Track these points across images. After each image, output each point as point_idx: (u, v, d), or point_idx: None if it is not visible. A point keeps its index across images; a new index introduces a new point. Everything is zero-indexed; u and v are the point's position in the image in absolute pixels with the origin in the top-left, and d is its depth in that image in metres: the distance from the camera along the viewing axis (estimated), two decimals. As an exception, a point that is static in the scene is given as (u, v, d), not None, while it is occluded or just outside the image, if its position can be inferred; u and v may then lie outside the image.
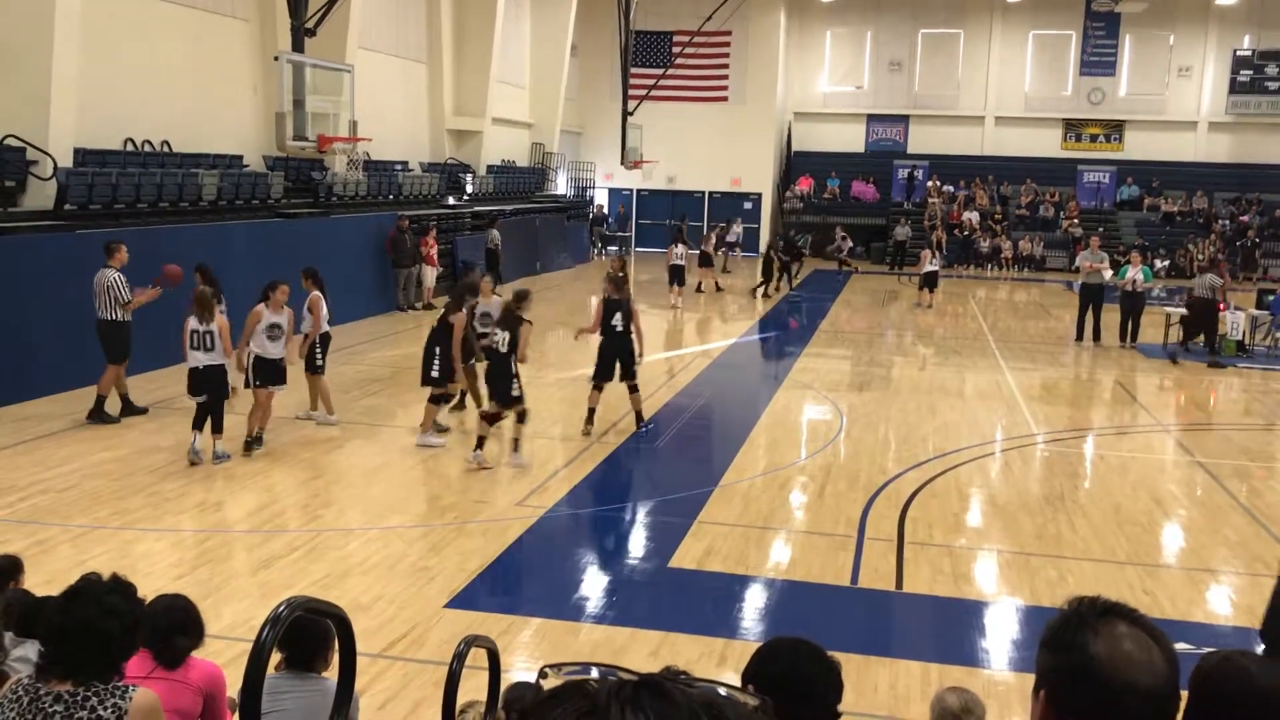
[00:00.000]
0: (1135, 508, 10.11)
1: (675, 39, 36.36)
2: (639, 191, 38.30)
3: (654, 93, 35.26)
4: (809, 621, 7.19)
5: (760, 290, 26.19)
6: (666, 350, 19.03)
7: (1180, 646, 2.26)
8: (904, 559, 8.42)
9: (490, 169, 29.54)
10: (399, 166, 24.90)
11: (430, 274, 22.08)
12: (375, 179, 22.48)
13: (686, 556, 8.35)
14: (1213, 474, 11.40)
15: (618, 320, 12.03)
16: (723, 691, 0.90)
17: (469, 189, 27.44)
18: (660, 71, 35.58)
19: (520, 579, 8.07)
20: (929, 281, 24.87)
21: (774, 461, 11.55)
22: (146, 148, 17.08)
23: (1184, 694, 1.80)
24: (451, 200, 26.04)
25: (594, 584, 7.87)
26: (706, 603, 7.51)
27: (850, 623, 7.31)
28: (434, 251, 22.09)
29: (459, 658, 3.38)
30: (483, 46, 28.17)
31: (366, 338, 18.18)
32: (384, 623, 6.89)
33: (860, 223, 35.87)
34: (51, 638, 2.97)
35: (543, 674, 0.98)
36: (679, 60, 36.16)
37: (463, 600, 7.35)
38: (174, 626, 3.79)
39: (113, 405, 11.92)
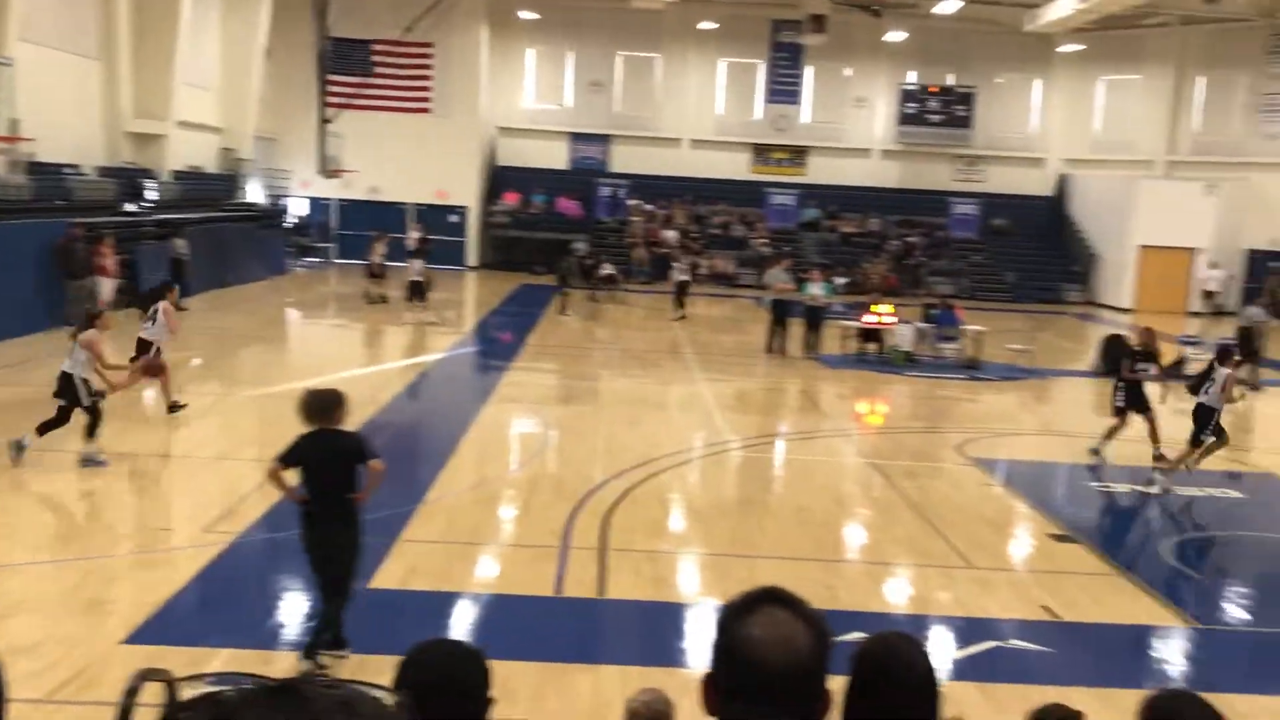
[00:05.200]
0: (818, 508, 10.79)
1: (375, 47, 35.61)
2: (340, 202, 37.20)
3: (354, 101, 34.42)
4: (512, 633, 7.19)
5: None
6: (370, 365, 18.57)
7: (857, 635, 2.45)
8: (606, 566, 8.59)
9: (176, 175, 27.79)
10: (69, 170, 22.96)
11: (107, 285, 20.44)
12: (41, 183, 20.61)
13: (389, 577, 8.14)
14: (885, 474, 12.34)
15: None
16: (362, 691, 0.87)
17: (151, 195, 25.69)
18: (360, 80, 34.75)
19: (208, 609, 7.59)
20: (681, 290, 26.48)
21: (481, 476, 11.49)
22: None
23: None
24: (131, 207, 24.29)
25: (290, 610, 7.53)
26: (409, 622, 7.35)
27: (554, 631, 7.35)
28: (109, 261, 20.51)
29: (130, 693, 3.12)
30: (165, 45, 26.47)
31: (32, 355, 16.59)
32: (50, 665, 6.29)
33: (566, 238, 36.30)
34: None
35: (172, 684, 0.92)
36: (379, 69, 35.44)
37: (143, 635, 6.83)
38: None
39: None
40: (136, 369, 12.39)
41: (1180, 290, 34.69)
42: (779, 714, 1.77)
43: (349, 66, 35.21)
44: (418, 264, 24.57)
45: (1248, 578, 9.74)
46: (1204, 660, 7.53)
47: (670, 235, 37.10)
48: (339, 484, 6.50)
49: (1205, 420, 12.09)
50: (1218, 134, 36.63)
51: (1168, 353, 21.65)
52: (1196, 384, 12.38)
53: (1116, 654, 7.61)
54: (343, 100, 34.20)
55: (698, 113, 39.27)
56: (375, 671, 5.70)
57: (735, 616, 1.82)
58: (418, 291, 23.89)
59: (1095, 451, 13.25)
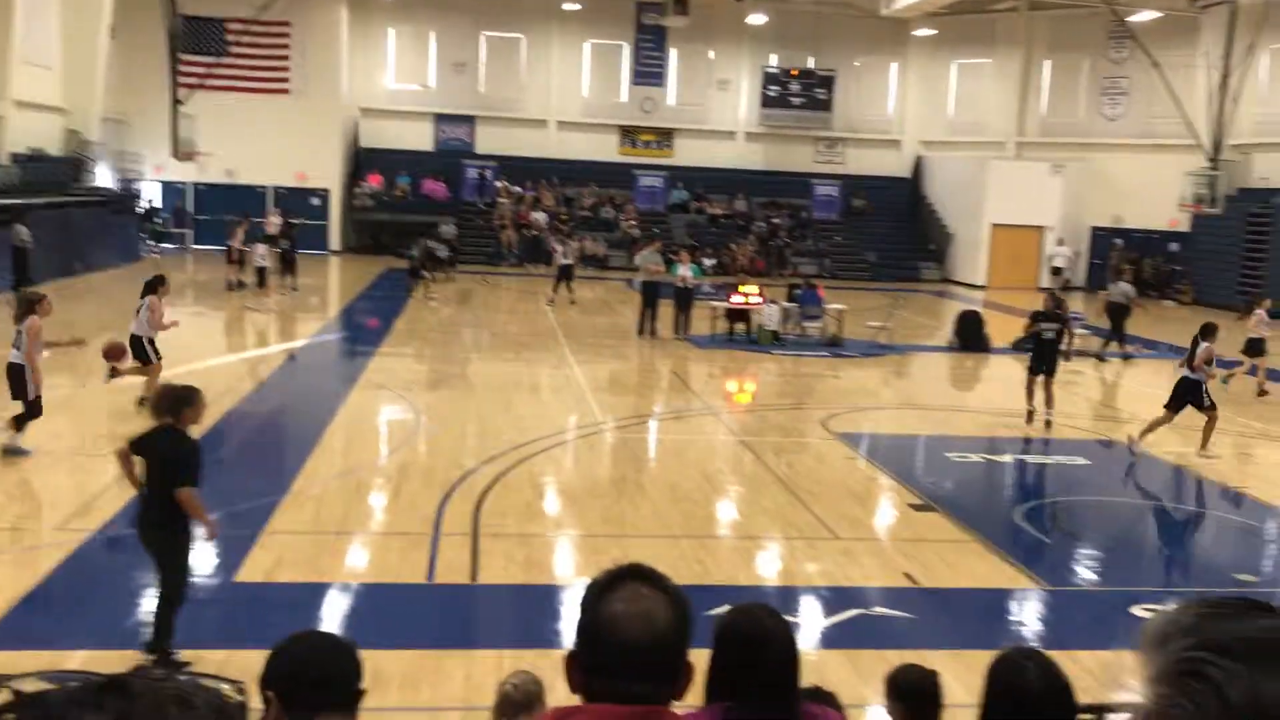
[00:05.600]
0: (689, 486, 10.95)
1: (229, 26, 34.45)
2: (197, 186, 35.94)
3: (208, 82, 33.27)
4: (384, 622, 7.14)
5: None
6: (231, 354, 18.04)
7: (725, 609, 2.53)
8: (479, 551, 8.57)
9: (15, 158, 26.43)
10: (-102, 153, 21.64)
11: (-57, 276, 19.41)
12: None
13: (255, 570, 7.96)
14: (754, 451, 12.58)
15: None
16: (199, 684, 0.88)
17: (-10, 180, 24.39)
18: (214, 59, 33.60)
19: (62, 610, 7.30)
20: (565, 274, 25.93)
21: (349, 465, 11.31)
22: None
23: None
24: (-32, 192, 23.04)
25: (151, 607, 7.28)
26: (278, 615, 7.21)
27: (427, 619, 7.32)
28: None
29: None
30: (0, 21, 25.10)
31: None
32: (-111, 677, 5.97)
33: (432, 220, 35.73)
34: None
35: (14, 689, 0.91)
36: (234, 49, 34.34)
37: (-10, 641, 6.55)
38: None
39: None
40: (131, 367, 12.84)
41: (1030, 267, 36.17)
42: (641, 688, 1.82)
43: (202, 45, 33.98)
44: (261, 248, 24.03)
45: (1092, 540, 10.28)
46: (1052, 619, 7.94)
47: (539, 217, 36.94)
48: (167, 487, 6.29)
49: (1197, 394, 12.63)
50: (1063, 116, 38.24)
51: (1018, 327, 22.64)
52: (1190, 359, 12.77)
53: (972, 616, 7.96)
54: (196, 81, 33.00)
55: (564, 94, 39.13)
56: (243, 667, 5.61)
57: (598, 594, 1.86)
58: (260, 279, 23.47)
59: (1030, 418, 14.07)
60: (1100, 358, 20.56)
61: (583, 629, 1.87)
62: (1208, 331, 12.90)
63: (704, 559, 8.70)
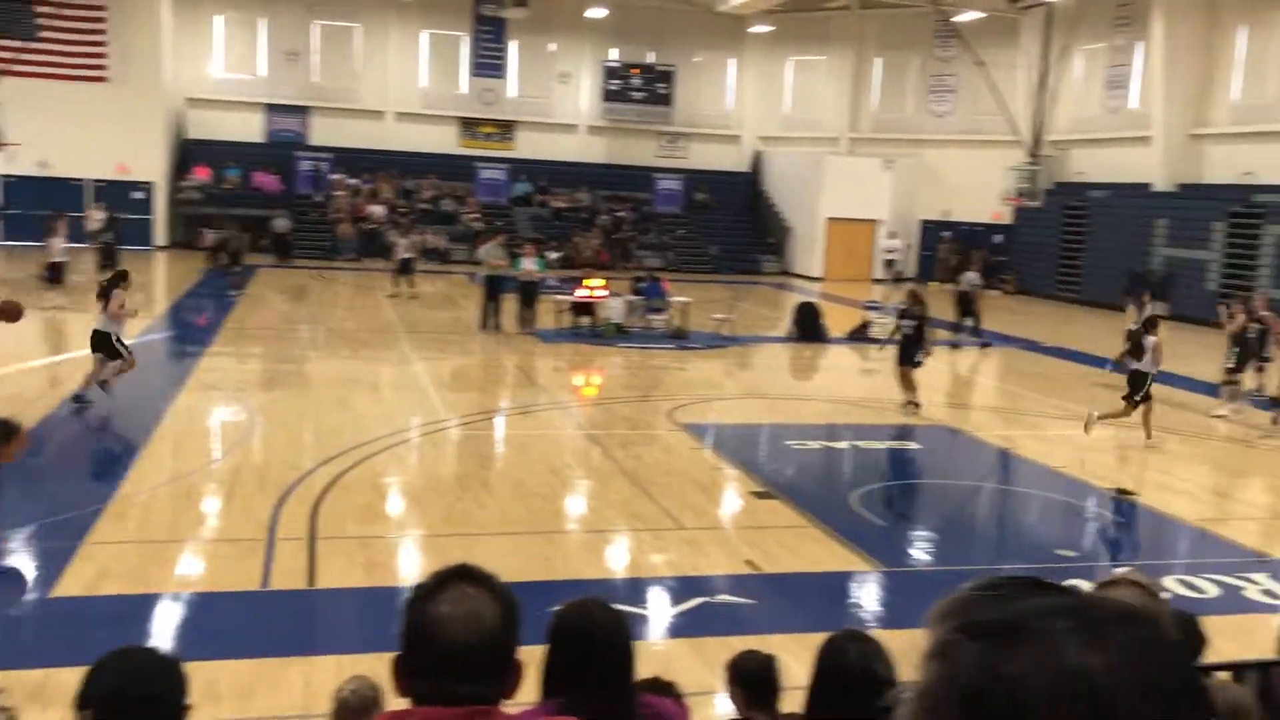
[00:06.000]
0: (536, 481, 10.89)
1: (38, 9, 32.53)
2: (6, 178, 33.83)
3: (17, 68, 31.39)
4: (217, 632, 6.86)
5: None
6: (52, 355, 17.06)
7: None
8: (317, 555, 8.32)
9: None
10: None
11: None
12: None
13: (74, 583, 7.54)
14: (601, 444, 12.61)
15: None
16: None
17: None
18: (23, 43, 31.71)
19: None
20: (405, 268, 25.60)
21: (178, 470, 10.84)
22: None
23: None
24: None
25: (-43, 628, 6.83)
26: (101, 630, 6.84)
27: (262, 626, 7.07)
28: None
29: None
30: None
31: None
32: None
33: (265, 214, 34.61)
34: None
35: None
36: (46, 32, 32.47)
37: None
38: None
39: None
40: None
41: (864, 260, 37.36)
42: (469, 688, 1.78)
43: (9, 28, 32.01)
44: (58, 244, 22.85)
45: (925, 522, 10.68)
46: (888, 600, 8.19)
47: (377, 210, 36.14)
48: None
49: (1139, 384, 13.20)
50: (894, 113, 39.59)
51: (853, 318, 23.37)
52: (1134, 352, 13.46)
53: (811, 600, 8.15)
54: (3, 66, 31.09)
55: (401, 85, 38.40)
56: (61, 686, 5.28)
57: (424, 596, 1.82)
58: (57, 274, 22.30)
59: (913, 406, 14.64)
60: (956, 345, 21.54)
61: (408, 632, 1.83)
62: (1150, 326, 13.74)
63: (550, 554, 8.66)
